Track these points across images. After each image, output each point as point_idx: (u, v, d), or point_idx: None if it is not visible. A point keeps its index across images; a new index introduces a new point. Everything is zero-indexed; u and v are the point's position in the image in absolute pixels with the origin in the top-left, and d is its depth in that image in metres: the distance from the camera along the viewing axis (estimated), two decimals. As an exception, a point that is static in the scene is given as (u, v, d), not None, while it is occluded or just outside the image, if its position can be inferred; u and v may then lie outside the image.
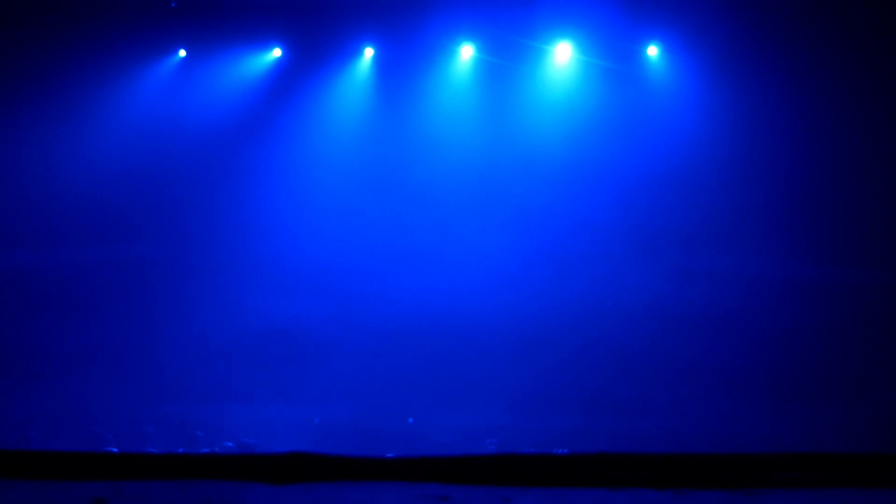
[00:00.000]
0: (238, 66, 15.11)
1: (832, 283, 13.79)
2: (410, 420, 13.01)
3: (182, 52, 15.20)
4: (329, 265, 16.67)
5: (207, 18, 14.67)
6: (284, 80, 15.12)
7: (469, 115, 15.06)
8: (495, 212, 16.36)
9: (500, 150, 16.20)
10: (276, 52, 15.21)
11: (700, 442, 11.63)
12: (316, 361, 16.16)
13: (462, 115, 15.05)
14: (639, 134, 14.90)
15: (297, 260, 16.70)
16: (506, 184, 16.29)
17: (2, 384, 13.04)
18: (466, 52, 15.02)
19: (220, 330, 15.57)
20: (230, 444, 10.98)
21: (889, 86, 13.62)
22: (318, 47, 14.97)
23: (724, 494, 1.79)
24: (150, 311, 14.90)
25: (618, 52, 14.54)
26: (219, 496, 1.75)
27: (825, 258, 13.84)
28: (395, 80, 15.08)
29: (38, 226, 14.67)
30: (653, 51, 14.70)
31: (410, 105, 15.13)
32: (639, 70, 14.71)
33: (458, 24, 14.60)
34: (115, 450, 9.58)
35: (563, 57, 14.85)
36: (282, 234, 16.64)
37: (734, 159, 14.35)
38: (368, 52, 15.20)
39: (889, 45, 13.44)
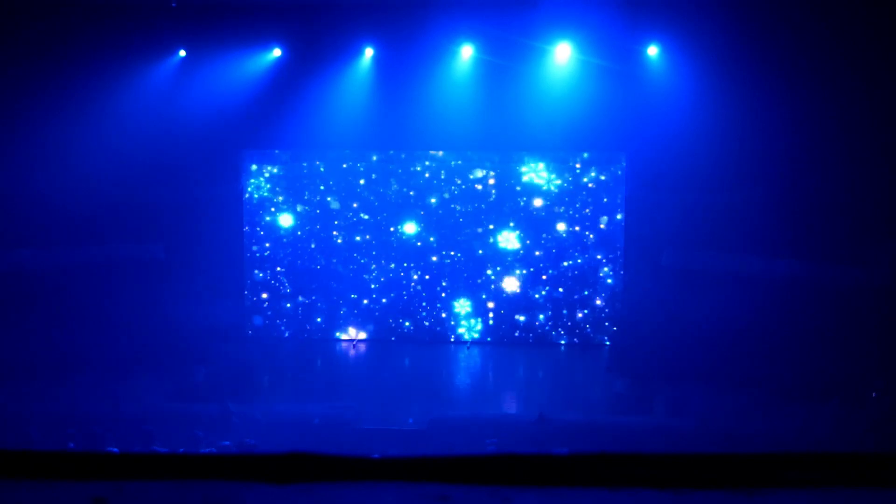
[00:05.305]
0: (238, 66, 15.12)
1: (832, 283, 13.80)
2: (410, 420, 13.01)
3: (182, 52, 15.22)
4: (326, 265, 16.68)
5: (207, 18, 14.70)
6: (284, 81, 15.12)
7: (469, 114, 15.05)
8: (495, 211, 16.38)
9: (499, 149, 16.22)
10: (276, 52, 15.22)
11: (700, 442, 11.64)
12: (317, 362, 16.19)
13: (462, 115, 15.05)
14: (638, 132, 14.91)
15: (294, 260, 16.71)
16: (505, 182, 16.31)
17: (2, 384, 13.04)
18: (466, 52, 15.03)
19: (220, 329, 15.59)
20: (230, 443, 10.98)
21: (887, 86, 13.64)
22: (318, 47, 14.98)
23: (724, 494, 1.79)
24: (151, 310, 14.92)
25: (618, 52, 14.56)
26: (219, 496, 1.75)
27: (824, 258, 13.85)
28: (395, 80, 15.09)
29: (38, 226, 14.68)
30: (653, 51, 14.72)
31: (410, 105, 15.14)
32: (639, 70, 14.72)
33: (458, 25, 14.60)
34: (115, 450, 9.59)
35: (563, 57, 14.86)
36: (280, 234, 16.66)
37: (733, 159, 14.36)
38: (368, 52, 15.21)
39: (884, 49, 13.46)
